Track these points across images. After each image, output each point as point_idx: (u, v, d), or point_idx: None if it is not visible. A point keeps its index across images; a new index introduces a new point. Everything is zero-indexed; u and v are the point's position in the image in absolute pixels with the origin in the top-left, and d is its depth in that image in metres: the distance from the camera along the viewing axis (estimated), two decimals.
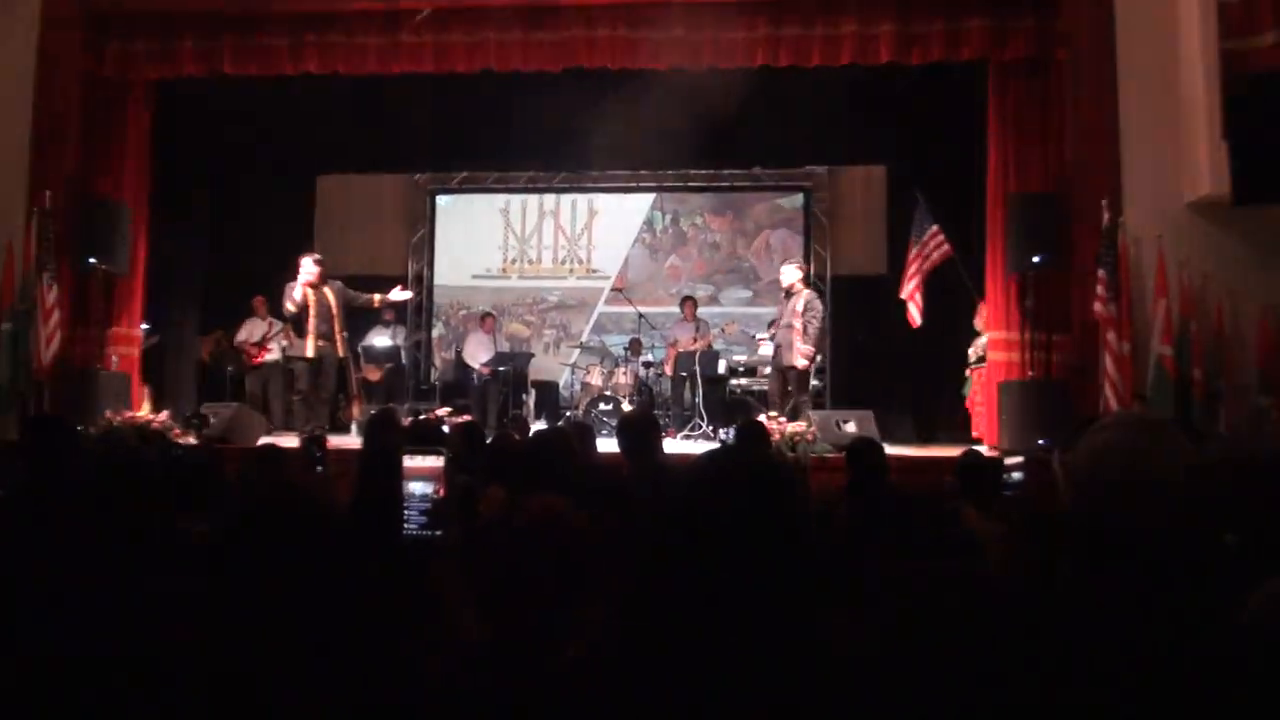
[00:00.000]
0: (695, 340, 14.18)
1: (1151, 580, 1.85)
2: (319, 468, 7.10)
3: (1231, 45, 9.40)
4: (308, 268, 12.01)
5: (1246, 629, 2.08)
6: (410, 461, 2.98)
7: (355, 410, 14.15)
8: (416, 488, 2.96)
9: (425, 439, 5.89)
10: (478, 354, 14.90)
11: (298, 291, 11.92)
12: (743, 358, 14.76)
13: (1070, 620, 1.85)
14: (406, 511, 2.93)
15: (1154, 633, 1.80)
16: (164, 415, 11.53)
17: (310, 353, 12.00)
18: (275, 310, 14.35)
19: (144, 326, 12.85)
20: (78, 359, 11.85)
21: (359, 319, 14.49)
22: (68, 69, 11.87)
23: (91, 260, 11.63)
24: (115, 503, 3.44)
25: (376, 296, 12.83)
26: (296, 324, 12.20)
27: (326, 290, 12.09)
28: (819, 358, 12.64)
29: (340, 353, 12.23)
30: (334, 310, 12.07)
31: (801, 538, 1.86)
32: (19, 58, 11.83)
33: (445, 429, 7.59)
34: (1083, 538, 1.92)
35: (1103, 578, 1.88)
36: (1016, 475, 5.22)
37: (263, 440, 11.38)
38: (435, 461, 2.98)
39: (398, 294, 12.93)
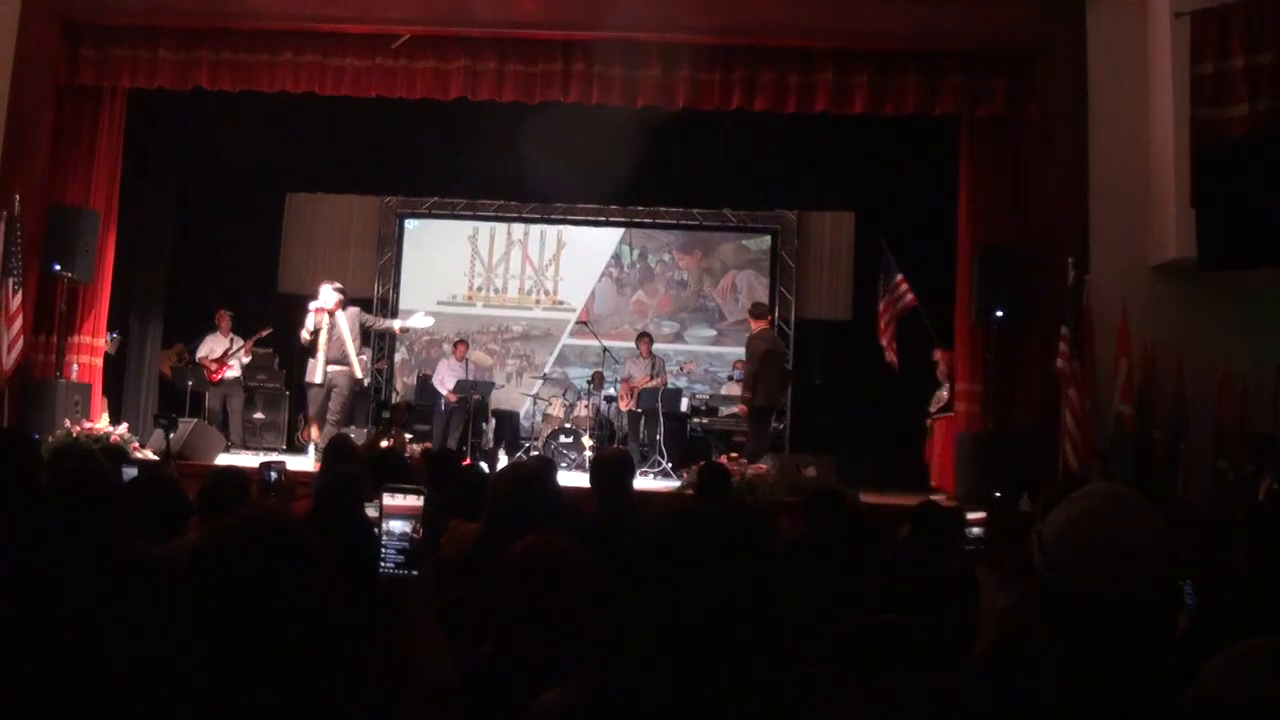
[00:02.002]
0: (650, 378, 14.18)
1: (1120, 652, 1.88)
2: (271, 492, 7.05)
3: (1203, 113, 9.52)
4: (325, 295, 12.18)
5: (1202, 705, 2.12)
6: (390, 500, 2.96)
7: (314, 432, 14.10)
8: (395, 526, 2.94)
9: (388, 467, 5.87)
10: (447, 380, 14.86)
11: (310, 319, 12.08)
12: (705, 396, 14.78)
13: (1043, 693, 1.87)
14: (384, 550, 2.92)
15: (1122, 705, 1.83)
16: (123, 428, 11.44)
17: (318, 378, 12.15)
18: (238, 326, 14.33)
19: (112, 335, 12.76)
20: (39, 366, 11.77)
21: None
22: (43, 75, 11.81)
23: (57, 267, 11.54)
24: (79, 521, 3.40)
25: (397, 324, 13.26)
26: (309, 349, 12.28)
27: (341, 316, 12.14)
28: (780, 400, 12.66)
29: (358, 374, 12.33)
30: (346, 336, 12.12)
31: (771, 595, 1.87)
32: None
33: (408, 458, 7.58)
34: (1054, 610, 1.95)
35: (1073, 650, 1.91)
36: (976, 530, 5.22)
37: (221, 459, 11.34)
38: (415, 500, 2.97)
39: (420, 320, 13.00)
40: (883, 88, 11.27)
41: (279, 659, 2.01)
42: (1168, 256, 10.17)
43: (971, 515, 5.33)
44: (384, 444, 11.04)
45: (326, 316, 12.06)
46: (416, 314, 12.95)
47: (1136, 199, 10.52)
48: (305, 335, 12.17)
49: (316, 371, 12.13)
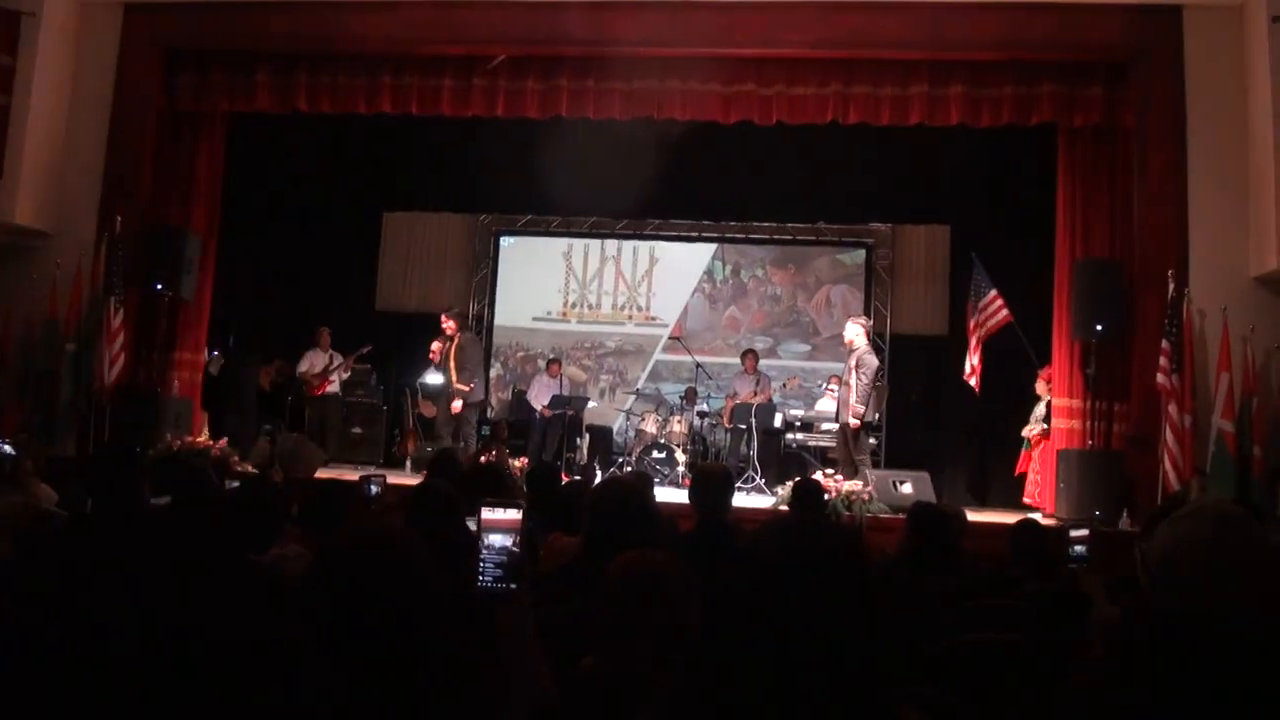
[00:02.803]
0: (755, 394, 14.13)
1: (1231, 674, 1.84)
2: (372, 505, 7.13)
3: None
4: (445, 324, 13.03)
5: None
6: (488, 514, 2.98)
7: (410, 446, 14.24)
8: (495, 540, 2.96)
9: (489, 481, 5.91)
10: (541, 396, 14.96)
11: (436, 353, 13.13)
12: (800, 412, 14.68)
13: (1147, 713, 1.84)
14: (482, 564, 2.95)
15: None
16: (223, 442, 11.62)
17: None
18: (336, 342, 14.52)
19: (214, 353, 13.01)
20: (140, 382, 12.01)
21: (420, 357, 14.65)
22: (144, 99, 12.10)
23: (159, 286, 11.77)
24: (189, 533, 3.46)
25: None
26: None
27: (456, 340, 12.95)
28: (875, 415, 12.51)
29: (455, 404, 13.01)
30: (449, 360, 12.99)
31: (871, 613, 1.85)
32: (97, 88, 12.10)
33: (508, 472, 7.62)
34: (1162, 630, 1.91)
35: (1182, 671, 1.87)
36: (1079, 548, 5.16)
37: (320, 472, 11.47)
38: (513, 514, 2.98)
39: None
40: (978, 98, 11.18)
41: (383, 670, 2.04)
42: (1269, 267, 9.96)
43: (1075, 533, 5.27)
44: (483, 459, 11.14)
45: (447, 343, 12.79)
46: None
47: (1236, 208, 10.32)
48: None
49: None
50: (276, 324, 15.02)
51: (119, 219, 11.67)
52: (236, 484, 6.04)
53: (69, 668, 2.76)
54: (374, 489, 7.20)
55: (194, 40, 12.17)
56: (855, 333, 11.75)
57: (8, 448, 6.77)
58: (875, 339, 15.49)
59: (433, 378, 15.12)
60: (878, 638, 1.85)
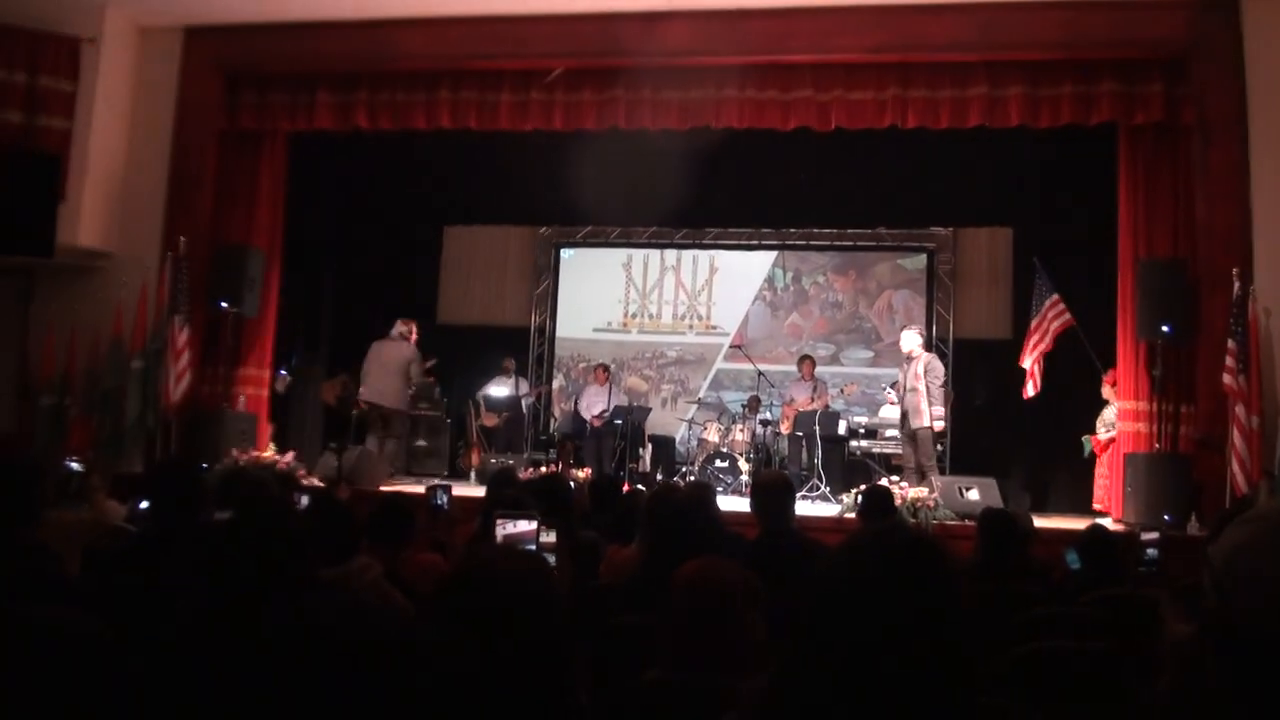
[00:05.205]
0: (812, 400, 14.03)
1: None
2: (439, 516, 7.14)
3: None
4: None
5: None
6: (511, 528, 2.97)
7: (474, 458, 14.28)
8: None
9: (551, 494, 5.91)
10: (593, 405, 14.97)
11: None
12: (864, 419, 14.58)
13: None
14: None
15: None
16: (290, 456, 11.69)
17: None
18: None
19: (281, 371, 13.13)
20: (206, 398, 12.14)
21: (482, 369, 14.73)
22: (205, 120, 12.28)
23: (224, 304, 11.89)
24: (256, 549, 3.46)
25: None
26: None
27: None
28: (941, 421, 12.44)
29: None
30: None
31: (960, 623, 1.83)
32: (158, 110, 12.30)
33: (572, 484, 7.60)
34: (1227, 645, 1.84)
35: (1248, 691, 1.81)
36: (1152, 551, 5.09)
37: (385, 486, 11.54)
38: (531, 525, 2.98)
39: None
40: (1036, 99, 11.08)
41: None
42: None
43: (1146, 536, 5.21)
44: (543, 470, 11.18)
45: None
46: None
47: None
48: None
49: None
50: (340, 338, 15.12)
51: (182, 238, 11.83)
52: (305, 498, 6.06)
53: (137, 683, 2.77)
54: (442, 499, 7.21)
55: (253, 62, 12.33)
56: (915, 341, 11.92)
57: (76, 465, 6.85)
58: (938, 343, 15.43)
59: (495, 389, 15.17)
60: (973, 647, 1.83)
